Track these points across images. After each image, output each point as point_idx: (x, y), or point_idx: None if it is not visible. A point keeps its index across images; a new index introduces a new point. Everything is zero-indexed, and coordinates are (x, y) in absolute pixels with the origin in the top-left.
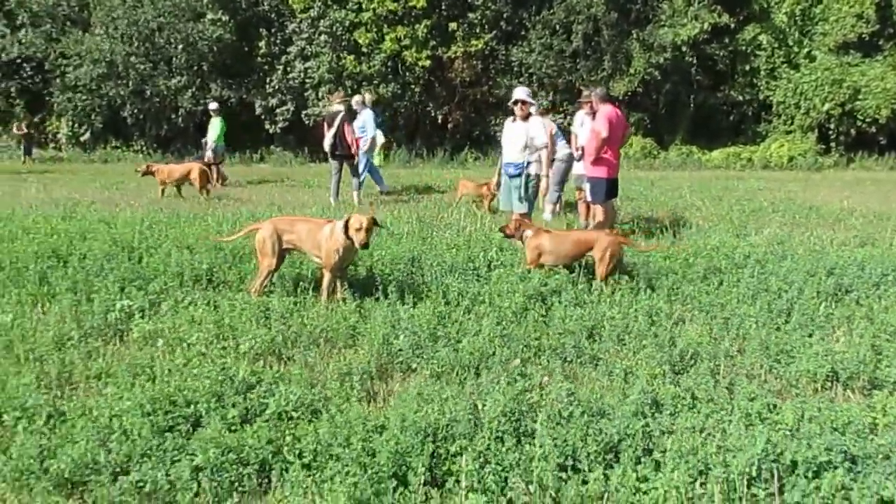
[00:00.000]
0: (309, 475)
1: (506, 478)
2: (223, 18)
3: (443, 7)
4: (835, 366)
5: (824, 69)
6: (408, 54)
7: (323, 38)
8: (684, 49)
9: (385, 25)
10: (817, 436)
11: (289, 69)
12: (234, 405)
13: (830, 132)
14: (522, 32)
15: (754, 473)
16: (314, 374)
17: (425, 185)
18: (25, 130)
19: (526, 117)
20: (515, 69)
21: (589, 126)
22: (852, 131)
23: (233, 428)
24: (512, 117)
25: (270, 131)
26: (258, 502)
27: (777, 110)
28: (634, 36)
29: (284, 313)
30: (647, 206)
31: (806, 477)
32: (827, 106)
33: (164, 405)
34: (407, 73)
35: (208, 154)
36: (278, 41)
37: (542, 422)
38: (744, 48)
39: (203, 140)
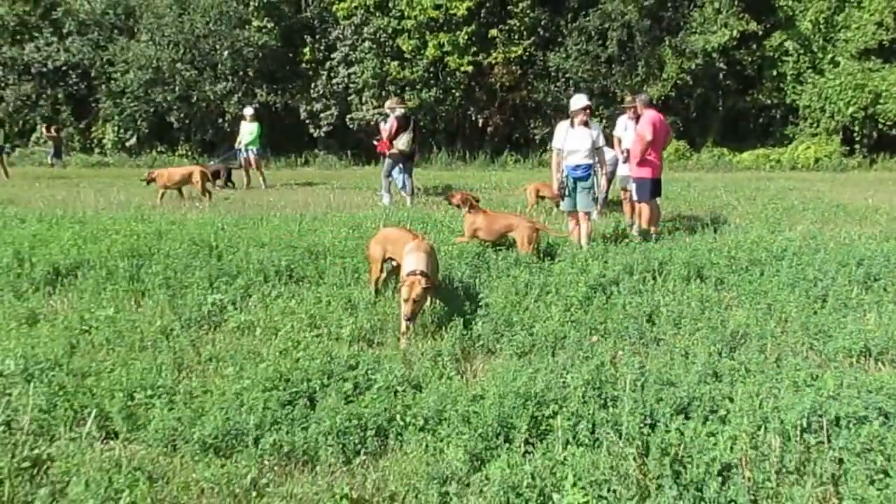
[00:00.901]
0: (425, 436)
1: (595, 432)
2: (268, 25)
3: (483, 14)
4: (867, 343)
5: (847, 74)
6: (450, 60)
7: (366, 44)
8: (714, 55)
9: (427, 32)
10: (855, 397)
11: (332, 75)
12: (344, 380)
13: (854, 135)
14: (559, 39)
15: (805, 425)
16: (408, 356)
17: (470, 186)
18: (55, 134)
19: (585, 122)
20: (553, 74)
21: (632, 130)
22: (874, 134)
23: (349, 399)
24: (569, 122)
25: (315, 135)
26: (380, 461)
27: (803, 114)
28: (667, 42)
29: (369, 304)
30: (686, 205)
31: (848, 428)
32: (850, 110)
33: (280, 383)
34: (448, 79)
35: (241, 157)
36: (322, 47)
37: (623, 387)
38: (771, 54)
39: (238, 145)
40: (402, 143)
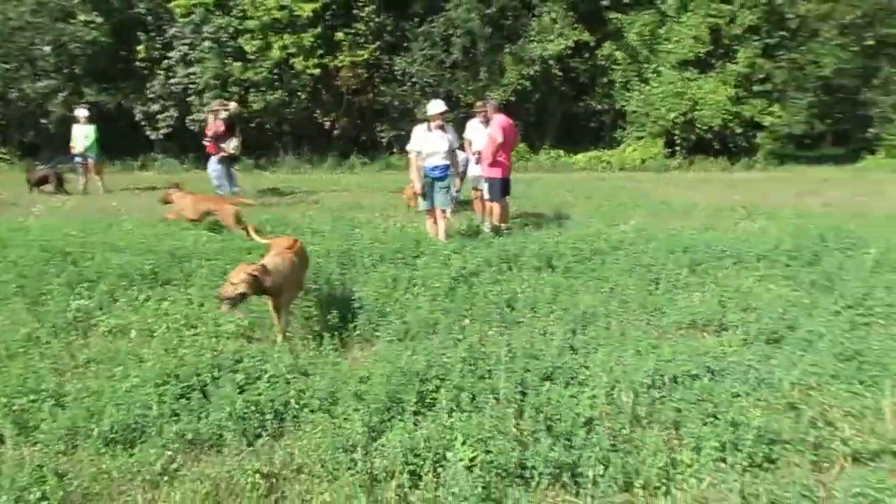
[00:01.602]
0: (321, 416)
1: (475, 400)
2: (97, 20)
3: (328, 17)
4: (694, 317)
5: (669, 83)
6: (296, 62)
7: (206, 43)
8: (551, 62)
9: (272, 33)
10: (688, 360)
11: (170, 74)
12: (235, 372)
13: (675, 138)
14: (405, 44)
15: (650, 383)
16: (291, 348)
17: (318, 189)
18: None
19: (441, 126)
20: (399, 78)
21: (482, 132)
22: (692, 137)
23: (243, 389)
24: (426, 126)
25: (152, 138)
26: (280, 441)
27: (631, 118)
28: (507, 50)
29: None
30: (531, 203)
31: (683, 384)
32: (672, 115)
33: (171, 379)
34: (294, 81)
35: (77, 163)
36: (158, 46)
37: (496, 361)
38: (602, 63)
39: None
40: (232, 146)
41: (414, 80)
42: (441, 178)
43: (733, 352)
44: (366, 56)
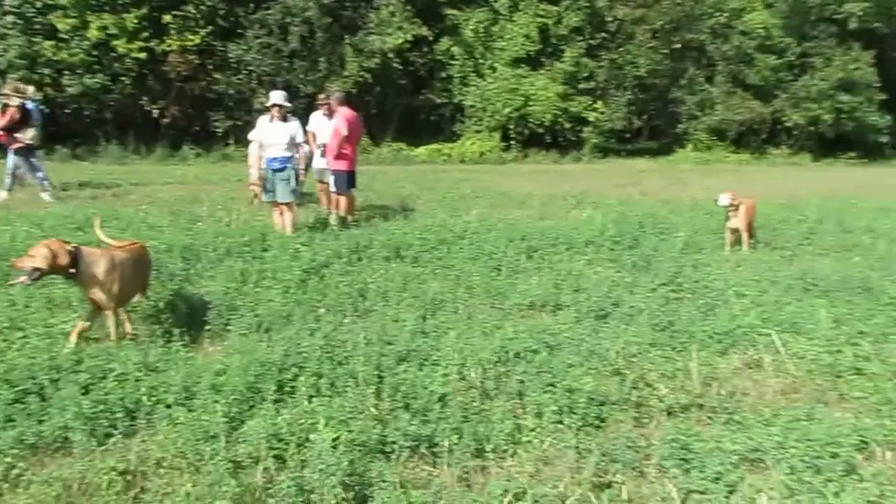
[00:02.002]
0: (177, 411)
1: (334, 385)
2: None
3: None
4: (533, 299)
5: (503, 79)
6: (117, 44)
7: (9, 18)
8: (391, 56)
9: (88, 11)
10: (529, 337)
11: None
12: (76, 372)
13: (510, 132)
14: (239, 30)
15: (496, 360)
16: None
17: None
18: None
19: (284, 117)
20: (234, 66)
21: (326, 125)
22: (526, 132)
23: (88, 389)
24: (269, 117)
25: None
26: (133, 439)
27: (469, 113)
28: (347, 41)
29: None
30: (376, 196)
31: (525, 358)
32: (507, 110)
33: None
34: (116, 64)
35: None
36: None
37: (353, 347)
38: (440, 58)
39: None
40: (30, 136)
41: (250, 68)
42: (280, 170)
43: (567, 328)
44: (197, 41)
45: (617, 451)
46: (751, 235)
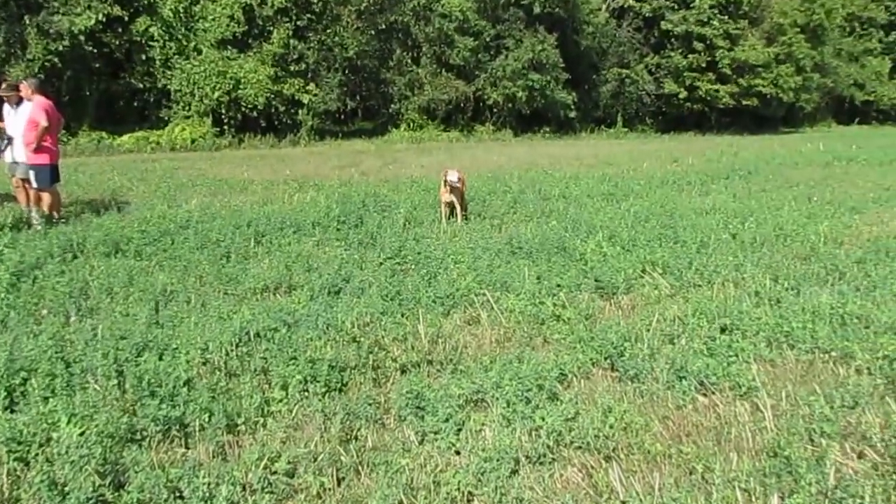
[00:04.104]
0: None
1: (69, 384)
2: None
3: None
4: (266, 282)
5: (210, 62)
6: None
7: None
8: (82, 38)
9: None
10: (267, 317)
11: None
12: None
13: (223, 117)
14: None
15: (238, 341)
16: None
17: None
18: None
19: None
20: None
21: (15, 116)
22: (239, 116)
23: None
24: None
25: None
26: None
27: (175, 97)
28: (28, 21)
29: None
30: (81, 189)
31: (265, 338)
32: (217, 94)
33: None
34: None
35: None
36: None
37: (85, 345)
38: (138, 39)
39: None
40: None
41: None
42: None
43: (303, 306)
44: None
45: (359, 408)
46: (464, 208)
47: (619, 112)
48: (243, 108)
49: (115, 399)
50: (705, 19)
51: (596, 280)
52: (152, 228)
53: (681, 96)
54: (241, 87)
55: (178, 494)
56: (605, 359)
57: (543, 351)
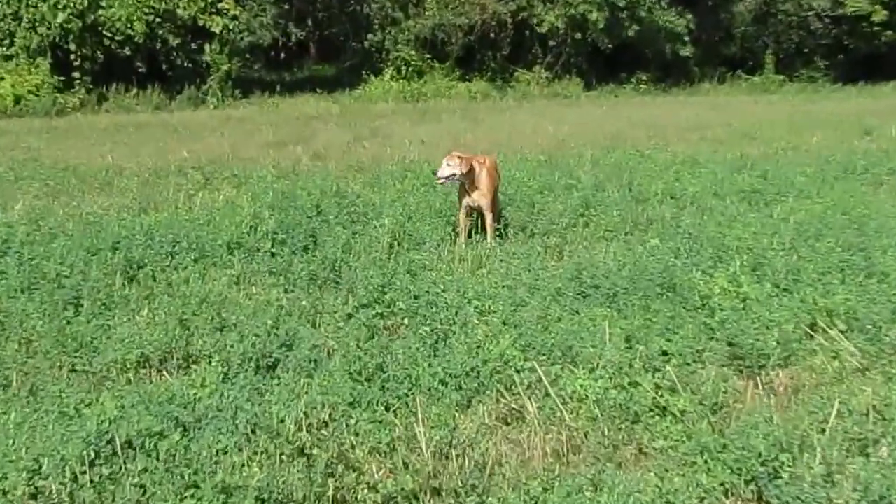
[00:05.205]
0: None
1: None
2: None
3: None
4: (144, 349)
5: None
6: None
7: None
8: None
9: None
10: (146, 413)
11: None
12: None
13: (71, 56)
14: None
15: (93, 455)
16: None
17: None
18: None
19: None
20: None
21: None
22: (99, 55)
23: None
24: None
25: None
26: None
27: None
28: None
29: None
30: None
31: (143, 449)
32: (60, 18)
33: None
34: None
35: None
36: None
37: None
38: None
39: None
40: None
41: None
42: None
43: (210, 392)
44: None
45: None
46: (495, 216)
47: (767, 48)
48: (106, 42)
49: None
50: None
51: (730, 344)
52: None
53: (876, 20)
54: (103, 4)
55: None
56: (748, 483)
57: (638, 470)
